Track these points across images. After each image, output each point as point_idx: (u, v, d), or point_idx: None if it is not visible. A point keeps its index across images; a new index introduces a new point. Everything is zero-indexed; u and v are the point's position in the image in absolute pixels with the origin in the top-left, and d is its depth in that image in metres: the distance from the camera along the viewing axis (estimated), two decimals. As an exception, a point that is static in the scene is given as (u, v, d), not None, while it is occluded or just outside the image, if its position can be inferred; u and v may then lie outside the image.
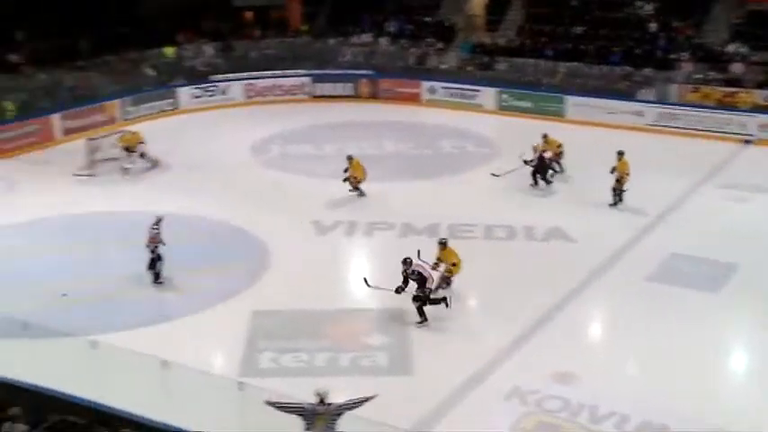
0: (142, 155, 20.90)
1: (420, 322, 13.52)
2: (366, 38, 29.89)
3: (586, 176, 19.98)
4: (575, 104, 25.90)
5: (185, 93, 27.29)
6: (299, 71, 28.90)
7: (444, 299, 13.72)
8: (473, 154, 23.08)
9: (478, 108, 27.12)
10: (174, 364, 10.27)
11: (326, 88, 28.69)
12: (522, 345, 12.95)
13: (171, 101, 26.95)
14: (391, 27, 30.05)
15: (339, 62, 29.29)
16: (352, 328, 13.63)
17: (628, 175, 18.17)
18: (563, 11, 28.87)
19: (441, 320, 13.62)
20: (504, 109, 26.90)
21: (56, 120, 23.88)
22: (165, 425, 10.15)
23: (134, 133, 21.38)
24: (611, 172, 18.24)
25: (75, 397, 10.69)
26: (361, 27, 30.26)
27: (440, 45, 29.18)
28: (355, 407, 9.30)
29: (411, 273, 13.52)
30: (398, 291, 13.58)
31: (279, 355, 12.70)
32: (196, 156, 22.22)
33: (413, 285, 13.59)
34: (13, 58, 25.08)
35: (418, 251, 14.10)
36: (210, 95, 27.74)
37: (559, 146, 20.39)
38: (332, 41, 29.82)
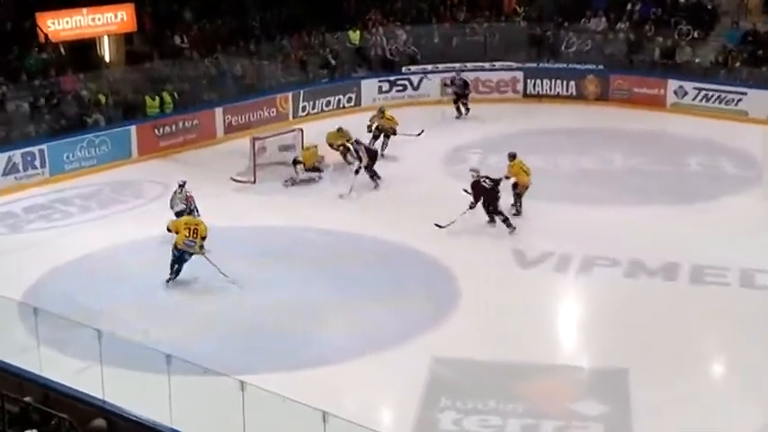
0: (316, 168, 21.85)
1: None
2: (599, 23, 29.47)
3: None
4: None
5: (370, 86, 27.97)
6: (510, 64, 28.92)
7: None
8: (730, 175, 22.23)
9: (743, 116, 26.16)
10: (336, 417, 10.44)
11: (543, 86, 28.56)
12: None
13: (352, 96, 27.71)
14: (635, 9, 29.42)
15: (562, 54, 29.06)
16: (558, 389, 13.40)
17: None
18: None
19: (678, 389, 13.10)
20: (779, 118, 25.83)
21: (218, 115, 25.18)
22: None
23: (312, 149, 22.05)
24: None
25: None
26: (594, 10, 29.84)
27: (696, 33, 28.27)
28: None
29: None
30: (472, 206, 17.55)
31: (463, 416, 12.64)
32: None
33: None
34: (178, 41, 26.66)
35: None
36: (400, 90, 28.26)
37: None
38: (554, 28, 29.62)
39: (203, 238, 16.36)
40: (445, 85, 27.53)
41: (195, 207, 18.24)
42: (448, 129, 25.53)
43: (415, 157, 23.17)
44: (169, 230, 16.67)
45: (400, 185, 21.47)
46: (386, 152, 23.12)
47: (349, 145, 21.49)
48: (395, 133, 23.33)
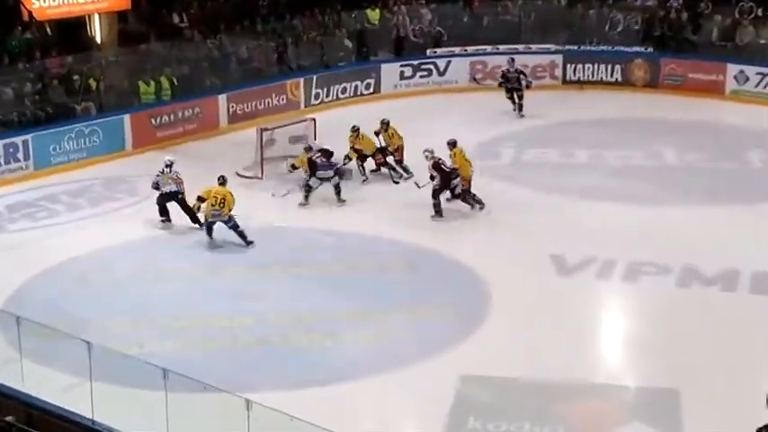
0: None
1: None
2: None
3: None
4: None
5: (390, 71, 28.04)
6: (548, 46, 28.93)
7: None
8: (797, 173, 22.21)
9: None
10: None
11: (585, 71, 28.54)
12: None
13: (371, 82, 27.77)
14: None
15: (606, 35, 29.01)
16: (600, 410, 13.38)
17: None
18: None
19: (736, 413, 13.03)
20: None
21: (221, 102, 25.28)
22: None
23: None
24: None
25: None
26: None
27: (759, 11, 28.17)
28: None
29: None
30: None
31: (493, 441, 12.69)
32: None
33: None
34: (177, 20, 26.76)
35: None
36: (424, 75, 28.28)
37: None
38: (598, 5, 29.58)
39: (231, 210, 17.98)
40: (500, 84, 26.44)
41: (183, 192, 18.86)
42: (479, 120, 25.47)
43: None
44: (200, 199, 18.16)
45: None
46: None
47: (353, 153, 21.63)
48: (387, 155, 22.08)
